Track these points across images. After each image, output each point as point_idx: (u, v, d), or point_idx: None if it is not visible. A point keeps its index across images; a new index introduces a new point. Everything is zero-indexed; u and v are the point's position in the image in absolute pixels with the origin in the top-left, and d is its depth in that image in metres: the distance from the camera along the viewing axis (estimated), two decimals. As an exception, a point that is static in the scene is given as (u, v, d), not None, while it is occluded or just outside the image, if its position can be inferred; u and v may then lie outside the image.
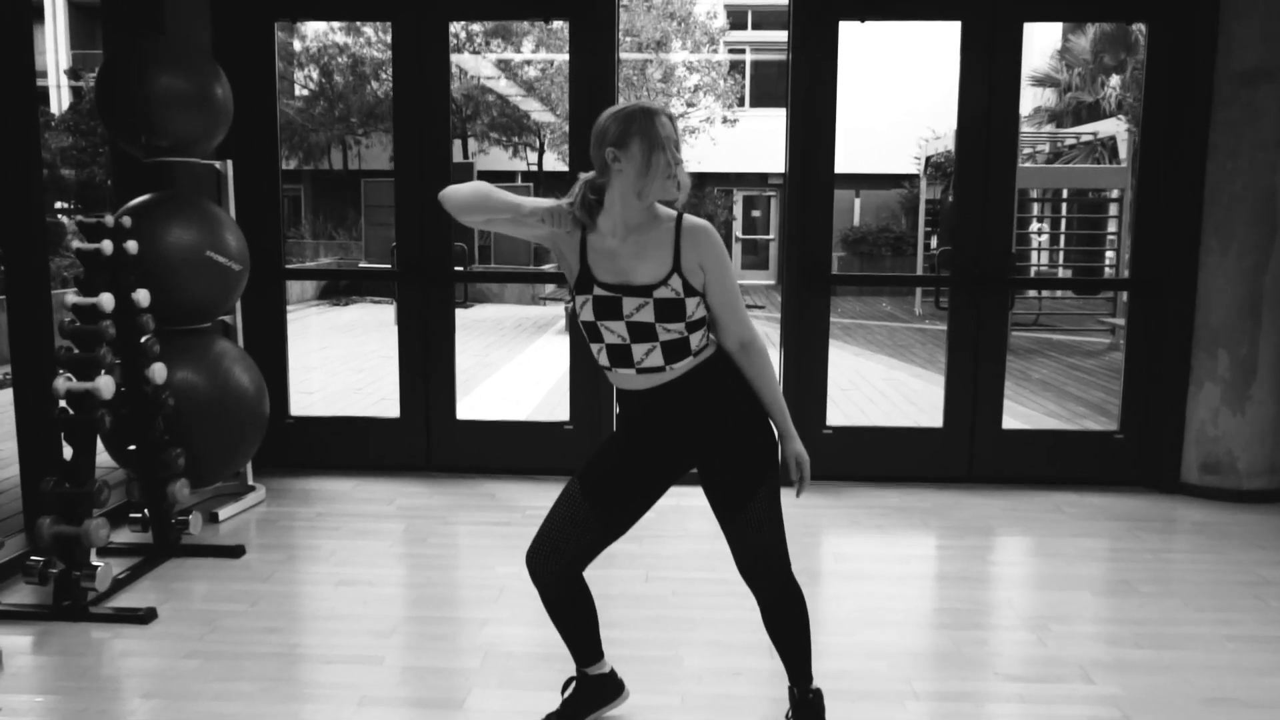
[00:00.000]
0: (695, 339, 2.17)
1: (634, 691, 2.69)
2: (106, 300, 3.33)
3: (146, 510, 3.81)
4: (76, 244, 3.40)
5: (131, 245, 3.54)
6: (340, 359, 10.07)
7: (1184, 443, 4.80)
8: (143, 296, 3.58)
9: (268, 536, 4.11)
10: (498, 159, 20.97)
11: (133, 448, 3.77)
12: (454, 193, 2.17)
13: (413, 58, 4.83)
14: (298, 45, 20.07)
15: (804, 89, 4.71)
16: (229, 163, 4.46)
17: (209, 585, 3.56)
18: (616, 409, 2.38)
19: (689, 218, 2.20)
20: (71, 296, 3.35)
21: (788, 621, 2.36)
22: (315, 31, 19.75)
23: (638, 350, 2.16)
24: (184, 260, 3.95)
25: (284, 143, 20.83)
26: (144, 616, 3.20)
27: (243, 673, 2.85)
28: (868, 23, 4.77)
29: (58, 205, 20.51)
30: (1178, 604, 3.45)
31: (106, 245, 3.41)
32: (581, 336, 4.95)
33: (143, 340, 3.61)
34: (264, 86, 4.87)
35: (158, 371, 3.64)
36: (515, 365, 9.67)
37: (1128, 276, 5.00)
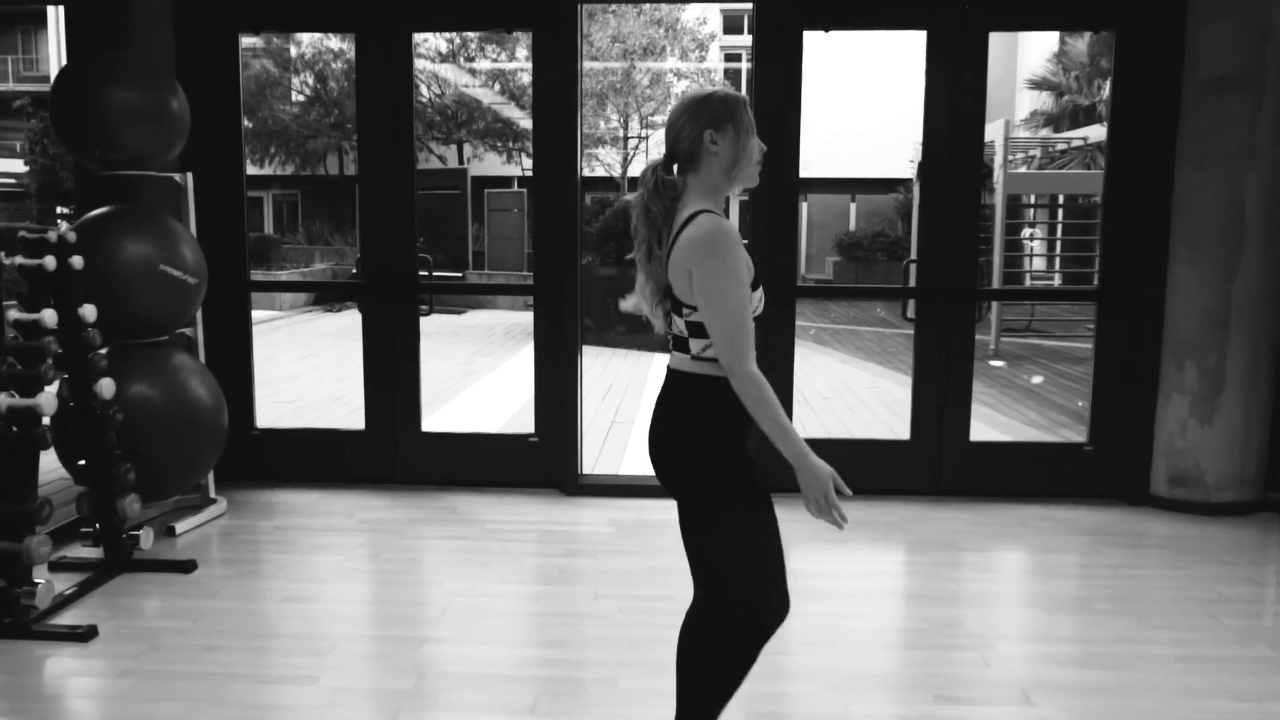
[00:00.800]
0: (695, 345, 2.08)
1: (560, 714, 2.66)
2: (49, 316, 3.32)
3: (97, 525, 3.79)
4: (18, 260, 3.39)
5: (76, 260, 3.53)
6: (323, 366, 10.07)
7: (1153, 455, 4.76)
8: (89, 311, 3.56)
9: (224, 550, 4.10)
10: (492, 164, 21.00)
11: (82, 462, 3.75)
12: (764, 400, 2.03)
13: (377, 69, 4.82)
14: (294, 51, 20.11)
15: (768, 98, 4.68)
16: (189, 175, 4.45)
17: (156, 601, 3.55)
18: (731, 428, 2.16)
19: (698, 223, 2.03)
20: (13, 313, 3.34)
21: (700, 663, 2.21)
22: (311, 37, 19.79)
23: (672, 326, 2.15)
24: (137, 274, 3.93)
25: (280, 149, 20.78)
26: (84, 635, 3.19)
27: (173, 693, 2.83)
28: (831, 32, 4.74)
29: (59, 210, 20.61)
30: (1131, 623, 3.41)
31: (49, 261, 3.39)
32: (547, 347, 4.93)
33: (89, 356, 3.59)
34: (228, 98, 4.86)
35: (105, 386, 3.62)
36: (499, 374, 9.65)
37: (1096, 287, 4.95)
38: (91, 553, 3.86)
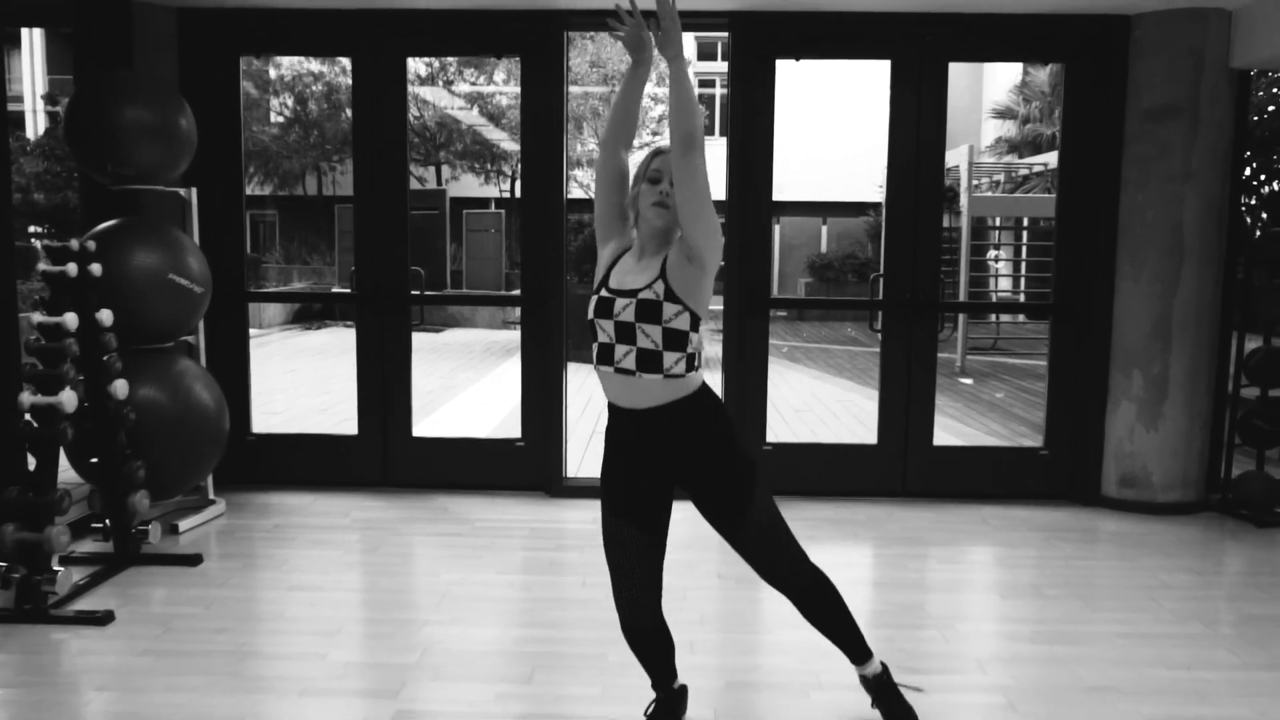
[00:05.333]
0: (669, 358, 2.32)
1: (558, 683, 2.90)
2: (70, 319, 3.53)
3: (108, 520, 3.98)
4: (43, 266, 3.60)
5: (96, 268, 3.74)
6: (307, 381, 10.24)
7: (1104, 458, 5.07)
8: (106, 316, 3.78)
9: (226, 546, 4.30)
10: (468, 185, 21.25)
11: (95, 460, 3.95)
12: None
13: (372, 91, 5.08)
14: (273, 73, 20.31)
15: (741, 122, 4.98)
16: (193, 190, 4.67)
17: (166, 591, 3.74)
18: (606, 427, 2.51)
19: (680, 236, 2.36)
20: (37, 316, 3.55)
21: (826, 607, 2.58)
22: (290, 60, 20.01)
23: (619, 350, 2.34)
24: (148, 282, 4.15)
25: (259, 169, 20.85)
26: (101, 619, 3.38)
27: (193, 668, 3.03)
28: (801, 60, 5.05)
29: (31, 229, 20.58)
30: (1079, 605, 3.70)
31: (71, 268, 3.61)
32: (533, 358, 5.16)
33: (105, 358, 3.80)
34: (229, 117, 5.10)
35: (119, 388, 3.83)
36: (479, 387, 9.87)
37: (1049, 301, 5.28)
38: (101, 547, 4.05)
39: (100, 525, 4.00)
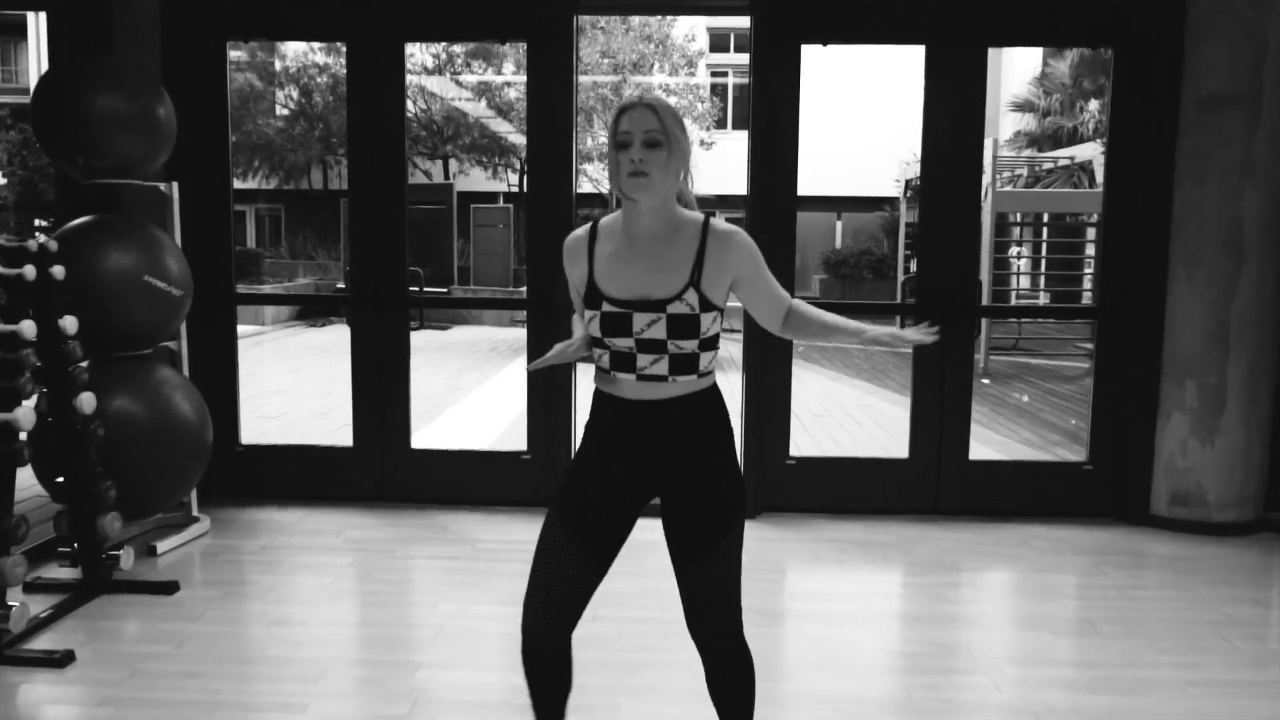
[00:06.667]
0: (705, 359, 2.01)
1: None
2: (27, 327, 3.20)
3: (76, 544, 3.66)
4: (-2, 269, 3.27)
5: (58, 270, 3.41)
6: (308, 382, 9.92)
7: (1153, 474, 4.71)
8: (69, 323, 3.45)
9: (207, 571, 3.97)
10: (477, 179, 20.92)
11: (61, 479, 3.63)
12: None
13: (369, 80, 4.73)
14: (278, 65, 20.00)
15: (766, 112, 4.63)
16: (174, 185, 4.34)
17: (137, 624, 3.42)
18: (584, 425, 2.15)
19: (717, 224, 2.01)
20: (-10, 324, 3.22)
21: (733, 684, 2.15)
22: (295, 51, 19.68)
23: (643, 359, 1.99)
24: (121, 285, 3.82)
25: (264, 163, 20.64)
26: (60, 660, 3.05)
27: (156, 722, 2.71)
28: (830, 46, 4.69)
29: (36, 223, 20.36)
30: (1140, 645, 3.35)
31: (29, 270, 3.28)
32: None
33: (70, 369, 3.47)
34: (216, 107, 4.76)
35: (86, 401, 3.50)
36: (485, 390, 9.54)
37: (1095, 305, 4.91)
38: (69, 573, 3.72)
39: (68, 549, 3.67)
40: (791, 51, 4.62)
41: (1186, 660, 3.23)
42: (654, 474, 2.06)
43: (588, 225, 2.10)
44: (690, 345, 1.97)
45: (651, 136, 1.92)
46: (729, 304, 2.08)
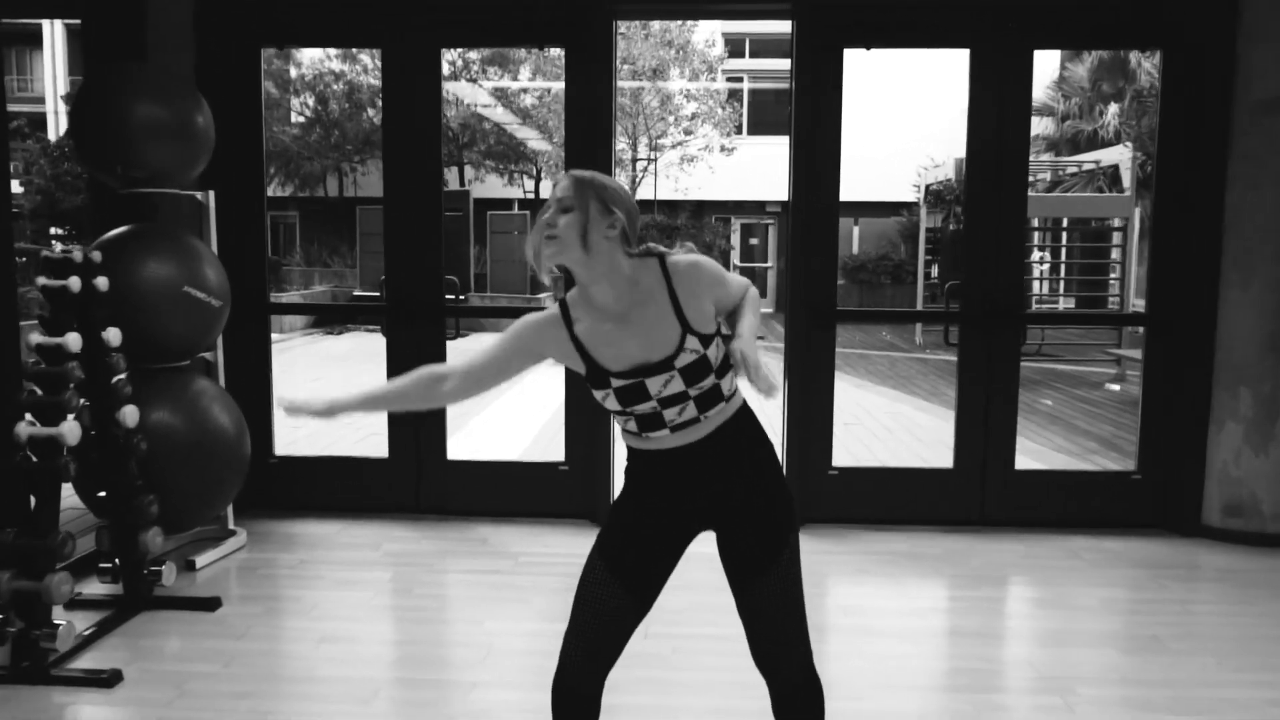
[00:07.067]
0: (726, 384, 1.98)
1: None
2: (73, 340, 3.15)
3: (117, 560, 3.59)
4: (42, 280, 3.22)
5: (102, 281, 3.36)
6: (331, 390, 9.84)
7: (1205, 484, 4.61)
8: (113, 335, 3.39)
9: (247, 586, 3.90)
10: (493, 186, 20.89)
11: (103, 494, 3.56)
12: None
13: (404, 85, 4.67)
14: (294, 72, 20.01)
15: (808, 118, 4.55)
16: (210, 193, 4.29)
17: (181, 642, 3.35)
18: (625, 464, 2.11)
19: (673, 260, 1.98)
20: (36, 337, 3.16)
21: (802, 717, 2.06)
22: (311, 59, 19.69)
23: (669, 413, 1.95)
24: (160, 296, 3.77)
25: (279, 170, 20.63)
26: (108, 679, 2.99)
27: (209, 746, 2.64)
28: (873, 50, 4.61)
29: (53, 231, 20.39)
30: (1212, 663, 3.25)
31: (74, 282, 3.22)
32: (578, 375, 4.74)
33: (113, 381, 3.41)
34: (250, 114, 4.71)
35: (129, 414, 3.44)
36: (510, 398, 9.46)
37: (1144, 312, 4.82)
38: (110, 589, 3.66)
39: (109, 565, 3.61)
40: (834, 55, 4.55)
41: (1261, 679, 3.13)
42: (700, 510, 2.03)
43: (554, 309, 2.04)
44: (709, 381, 1.95)
45: (564, 203, 1.94)
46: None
